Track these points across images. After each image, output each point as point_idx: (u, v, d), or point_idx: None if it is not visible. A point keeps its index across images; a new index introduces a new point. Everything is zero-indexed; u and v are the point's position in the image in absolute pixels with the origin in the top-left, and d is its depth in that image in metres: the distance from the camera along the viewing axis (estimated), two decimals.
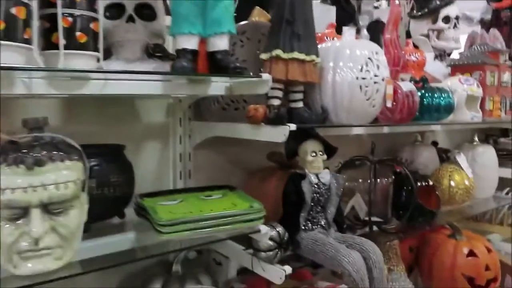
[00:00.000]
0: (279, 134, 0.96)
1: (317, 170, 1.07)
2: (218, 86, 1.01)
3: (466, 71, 1.63)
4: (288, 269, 0.98)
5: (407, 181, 1.38)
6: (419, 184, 1.38)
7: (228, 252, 1.16)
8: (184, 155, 1.27)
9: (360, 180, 1.40)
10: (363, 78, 1.06)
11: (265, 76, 0.92)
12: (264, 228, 0.96)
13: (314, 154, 1.06)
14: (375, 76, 1.07)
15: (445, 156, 1.74)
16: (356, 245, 1.02)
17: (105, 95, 0.89)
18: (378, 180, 1.40)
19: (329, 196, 1.08)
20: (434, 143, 2.00)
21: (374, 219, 1.31)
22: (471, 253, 1.50)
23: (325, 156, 1.07)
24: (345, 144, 1.57)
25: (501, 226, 1.99)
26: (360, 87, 1.06)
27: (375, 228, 1.31)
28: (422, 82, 1.35)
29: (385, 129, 1.40)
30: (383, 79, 1.09)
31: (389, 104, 1.12)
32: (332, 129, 1.18)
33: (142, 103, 1.20)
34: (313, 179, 1.06)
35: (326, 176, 1.07)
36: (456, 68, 1.67)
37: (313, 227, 1.07)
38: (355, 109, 1.08)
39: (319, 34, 1.31)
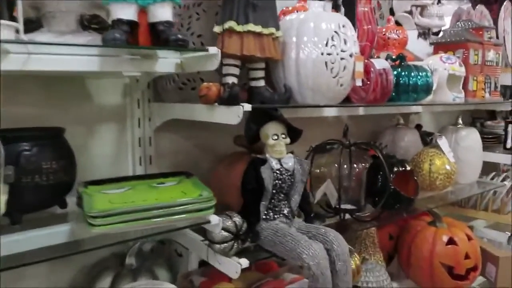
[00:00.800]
0: (233, 115, 0.87)
1: (279, 154, 0.98)
2: (167, 62, 0.91)
3: (449, 49, 1.54)
4: (244, 262, 0.90)
5: (383, 166, 1.31)
6: (396, 169, 1.30)
7: (187, 243, 1.08)
8: (144, 139, 1.18)
9: (336, 165, 1.32)
10: (329, 54, 0.97)
11: (212, 50, 0.82)
12: (215, 219, 0.88)
13: (275, 137, 0.97)
14: (342, 51, 0.98)
15: (428, 140, 1.66)
16: (320, 235, 0.95)
17: (33, 72, 0.79)
18: (355, 165, 1.32)
19: (292, 183, 0.99)
20: (418, 126, 1.92)
21: (346, 206, 1.23)
22: (451, 241, 1.43)
23: (288, 140, 0.99)
24: (319, 126, 1.49)
25: (485, 212, 1.92)
26: (326, 63, 0.97)
27: (348, 216, 1.24)
28: (399, 60, 1.25)
29: (360, 111, 1.32)
30: (351, 55, 1.00)
31: (358, 83, 1.03)
32: (301, 110, 1.10)
33: (94, 82, 1.11)
34: (275, 164, 0.97)
35: (289, 161, 0.99)
36: (439, 46, 1.58)
37: (275, 216, 0.99)
38: (321, 88, 0.99)
39: (289, 8, 1.22)
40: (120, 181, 0.98)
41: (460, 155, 1.65)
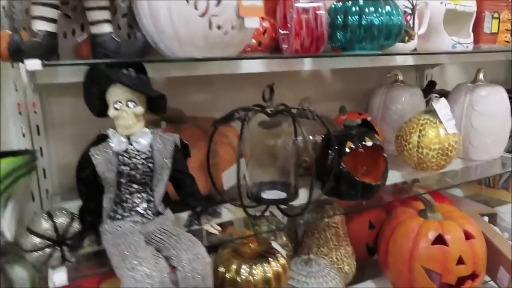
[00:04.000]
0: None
1: (126, 130, 0.70)
2: None
3: None
4: (58, 278, 0.65)
5: (336, 139, 0.96)
6: (361, 144, 0.96)
7: None
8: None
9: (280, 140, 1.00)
10: None
11: None
12: (4, 220, 0.63)
13: (118, 105, 0.69)
14: None
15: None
16: (171, 247, 0.66)
17: None
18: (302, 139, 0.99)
19: (152, 169, 0.71)
20: (430, 84, 1.50)
21: (272, 194, 0.92)
22: (440, 240, 1.07)
23: (139, 109, 0.69)
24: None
25: None
26: None
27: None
28: None
29: (293, 65, 0.96)
30: None
31: (250, 23, 0.70)
32: (173, 67, 0.78)
33: None
34: (118, 144, 0.69)
35: (142, 140, 0.70)
36: None
37: (125, 214, 0.71)
38: (185, 33, 0.67)
39: None
40: None
41: (475, 123, 1.23)
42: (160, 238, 0.68)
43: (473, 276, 1.08)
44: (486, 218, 1.37)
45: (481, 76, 1.27)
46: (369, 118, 1.21)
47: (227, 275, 0.87)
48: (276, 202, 0.90)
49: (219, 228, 0.80)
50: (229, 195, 0.90)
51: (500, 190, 1.52)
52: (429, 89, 1.46)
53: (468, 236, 1.08)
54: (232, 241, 0.93)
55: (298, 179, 0.93)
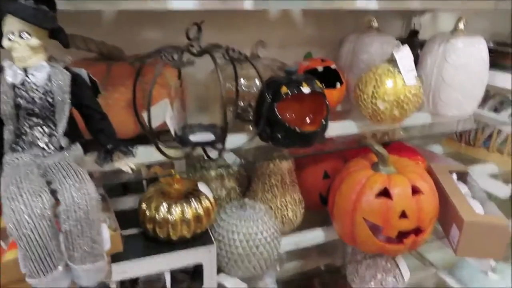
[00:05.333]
0: None
1: (21, 62, 0.67)
2: None
3: None
4: None
5: (272, 84, 0.91)
6: (297, 90, 0.90)
7: None
8: None
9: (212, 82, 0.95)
10: None
11: None
12: None
13: (12, 36, 0.66)
14: None
15: None
16: (58, 180, 0.65)
17: None
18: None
19: (52, 104, 0.69)
20: (413, 33, 1.38)
21: (201, 137, 0.89)
22: (384, 193, 1.02)
23: (33, 41, 0.66)
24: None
25: (500, 154, 1.39)
26: None
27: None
28: None
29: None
30: None
31: None
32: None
33: None
34: (15, 76, 0.67)
35: (39, 73, 0.68)
36: None
37: (25, 147, 0.71)
38: None
39: None
40: None
41: (446, 76, 1.12)
42: (52, 172, 0.67)
43: (417, 231, 1.04)
44: (454, 176, 1.29)
45: (461, 25, 1.15)
46: (333, 66, 1.14)
47: (147, 212, 0.87)
48: (202, 144, 0.87)
49: (132, 166, 0.78)
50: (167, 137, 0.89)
51: (480, 149, 1.43)
52: (411, 39, 1.35)
53: (416, 191, 1.03)
54: (158, 179, 0.93)
55: (230, 122, 0.88)
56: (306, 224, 1.18)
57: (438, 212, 1.09)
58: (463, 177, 1.32)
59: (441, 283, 1.50)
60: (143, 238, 0.91)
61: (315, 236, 1.15)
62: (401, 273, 1.22)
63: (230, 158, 1.14)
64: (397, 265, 1.23)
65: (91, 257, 0.67)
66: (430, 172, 1.28)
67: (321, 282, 1.49)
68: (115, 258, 0.84)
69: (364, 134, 1.20)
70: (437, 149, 1.53)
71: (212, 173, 1.12)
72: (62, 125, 0.70)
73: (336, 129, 1.08)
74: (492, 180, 1.30)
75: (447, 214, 1.15)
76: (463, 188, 1.27)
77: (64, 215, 0.63)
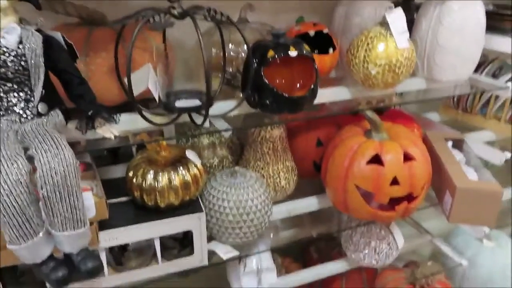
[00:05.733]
0: None
1: None
2: None
3: None
4: None
5: (259, 48, 0.88)
6: (283, 54, 0.86)
7: None
8: None
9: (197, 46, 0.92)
10: None
11: None
12: None
13: None
14: None
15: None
16: (34, 146, 0.63)
17: None
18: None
19: (26, 68, 0.66)
20: None
21: (187, 103, 0.86)
22: (376, 160, 0.99)
23: (2, 2, 0.63)
24: None
25: (497, 121, 1.35)
26: None
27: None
28: None
29: None
30: None
31: None
32: None
33: None
34: None
35: (10, 36, 0.65)
36: None
37: (1, 112, 0.68)
38: None
39: None
40: None
41: (441, 40, 1.08)
42: (29, 138, 0.65)
43: (409, 197, 1.02)
44: (450, 143, 1.26)
45: None
46: (325, 30, 1.10)
47: (134, 180, 0.86)
48: (188, 110, 0.85)
49: (115, 133, 0.76)
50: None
51: (477, 116, 1.39)
52: (407, 3, 1.29)
53: (408, 157, 1.00)
54: (145, 147, 0.91)
55: (218, 88, 0.86)
56: (299, 192, 1.16)
57: (432, 179, 1.06)
58: (459, 144, 1.29)
59: (436, 250, 1.49)
60: (133, 206, 0.90)
61: (308, 204, 1.13)
62: (395, 240, 1.21)
63: (222, 126, 1.12)
64: (391, 233, 1.22)
65: (71, 223, 0.65)
66: (425, 139, 1.26)
67: (317, 249, 1.49)
68: (104, 225, 0.83)
69: (358, 100, 1.18)
70: (433, 116, 1.49)
71: (204, 141, 1.10)
72: (38, 90, 0.67)
73: (328, 95, 1.05)
74: (488, 147, 1.27)
75: (441, 181, 1.13)
76: (459, 155, 1.25)
77: (41, 181, 0.61)
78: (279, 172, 1.08)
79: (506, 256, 1.42)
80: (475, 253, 1.44)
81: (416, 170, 1.00)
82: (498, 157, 1.22)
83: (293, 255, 1.51)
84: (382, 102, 1.30)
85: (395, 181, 0.98)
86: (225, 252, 0.95)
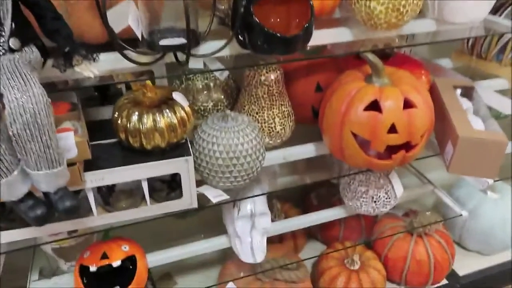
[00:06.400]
0: None
1: None
2: None
3: None
4: None
5: None
6: None
7: None
8: None
9: None
10: None
11: None
12: None
13: None
14: None
15: None
16: (3, 84, 0.60)
17: None
18: None
19: None
20: None
21: (171, 41, 0.81)
22: (374, 106, 0.94)
23: None
24: None
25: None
26: None
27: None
28: None
29: None
30: None
31: None
32: None
33: None
34: None
35: None
36: None
37: None
38: None
39: None
40: None
41: None
42: (13, 72, 0.62)
43: (407, 146, 0.97)
44: (458, 91, 1.19)
45: None
46: None
47: (119, 121, 0.83)
48: (172, 48, 0.80)
49: (95, 71, 0.73)
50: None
51: (492, 63, 1.30)
52: None
53: (409, 104, 0.94)
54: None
55: (209, 25, 0.80)
56: (297, 138, 1.13)
57: (436, 128, 1.01)
58: (468, 92, 1.21)
59: (439, 201, 1.46)
60: (120, 148, 0.88)
61: (304, 150, 1.10)
62: (393, 189, 1.18)
63: (217, 67, 1.07)
64: (390, 182, 1.18)
65: (46, 163, 0.64)
66: (433, 86, 1.19)
67: (317, 196, 1.48)
68: (90, 166, 0.82)
69: (363, 43, 1.10)
70: (446, 63, 1.40)
71: (198, 84, 1.05)
72: (7, 24, 0.63)
73: (329, 36, 0.98)
74: (499, 96, 1.18)
75: (444, 131, 1.07)
76: (467, 104, 1.18)
77: (10, 119, 0.59)
78: (274, 117, 1.03)
79: (508, 209, 1.38)
80: (477, 205, 1.40)
81: (416, 117, 0.94)
82: (509, 107, 1.14)
83: (293, 201, 1.51)
84: (389, 46, 1.23)
85: (393, 129, 0.93)
86: (215, 195, 0.93)
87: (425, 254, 1.26)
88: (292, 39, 0.83)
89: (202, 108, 1.06)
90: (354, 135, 0.96)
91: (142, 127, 0.81)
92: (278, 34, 0.80)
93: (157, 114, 0.82)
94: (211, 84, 1.06)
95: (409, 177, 1.51)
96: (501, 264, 1.41)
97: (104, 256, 0.97)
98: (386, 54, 1.21)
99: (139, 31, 0.77)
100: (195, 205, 0.92)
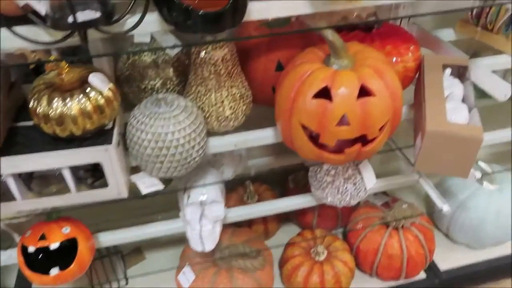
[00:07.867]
0: None
1: None
2: None
3: None
4: None
5: None
6: None
7: None
8: None
9: None
10: None
11: None
12: None
13: None
14: None
15: None
16: None
17: None
18: None
19: None
20: None
21: (85, 15, 0.70)
22: (324, 94, 0.81)
23: None
24: None
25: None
26: None
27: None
28: None
29: None
30: None
31: None
32: None
33: None
34: None
35: None
36: None
37: None
38: None
39: None
40: None
41: None
42: None
43: (363, 140, 0.84)
44: (448, 71, 1.01)
45: None
46: None
47: (31, 105, 0.75)
48: (86, 25, 0.69)
49: None
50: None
51: (499, 36, 1.09)
52: None
53: (366, 92, 0.80)
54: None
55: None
56: (257, 121, 1.01)
57: (414, 116, 0.86)
58: (459, 71, 1.04)
59: (422, 190, 1.31)
60: (40, 132, 0.81)
61: (259, 136, 0.98)
62: (363, 180, 1.06)
63: (169, 41, 0.96)
64: (360, 172, 1.06)
65: None
66: (421, 65, 1.02)
67: (294, 180, 1.38)
68: (7, 151, 0.77)
69: (342, 14, 0.96)
70: (448, 34, 1.20)
71: (146, 59, 0.96)
72: None
73: (280, 9, 0.84)
74: (495, 78, 0.99)
75: (418, 121, 0.93)
76: (458, 87, 1.01)
77: None
78: (223, 101, 0.92)
79: (504, 202, 1.21)
80: (470, 195, 1.25)
81: (372, 108, 0.80)
82: (503, 91, 0.96)
83: (272, 183, 1.41)
84: (374, 16, 1.07)
85: (343, 121, 0.80)
86: (147, 185, 0.86)
87: (398, 248, 1.14)
88: (217, 16, 0.70)
89: (149, 86, 0.97)
90: (303, 126, 0.84)
91: (52, 112, 0.73)
92: (200, 12, 0.68)
93: (68, 99, 0.73)
94: (159, 60, 0.96)
95: (399, 163, 1.37)
96: (488, 261, 1.26)
97: (43, 237, 0.93)
98: (369, 25, 1.05)
99: (42, 8, 0.67)
100: (124, 195, 0.86)
